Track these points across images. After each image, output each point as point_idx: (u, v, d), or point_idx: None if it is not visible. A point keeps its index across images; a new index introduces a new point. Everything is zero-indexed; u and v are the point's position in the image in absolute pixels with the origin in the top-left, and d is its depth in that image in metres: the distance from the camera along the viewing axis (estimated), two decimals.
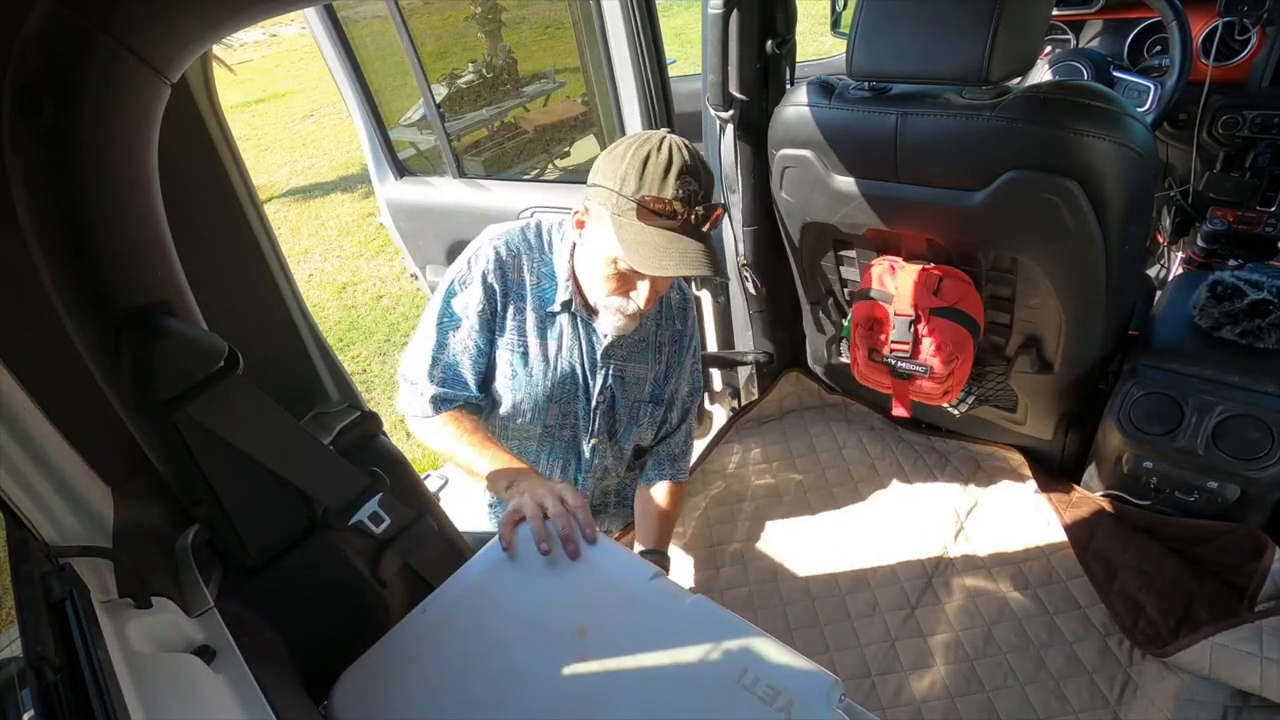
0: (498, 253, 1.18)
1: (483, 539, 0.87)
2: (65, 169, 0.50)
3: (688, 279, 1.38)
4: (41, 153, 0.49)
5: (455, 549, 0.89)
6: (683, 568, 1.47)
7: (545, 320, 1.22)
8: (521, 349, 1.22)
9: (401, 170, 2.17)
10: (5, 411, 0.59)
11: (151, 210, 0.56)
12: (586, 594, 0.77)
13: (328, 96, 8.28)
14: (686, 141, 1.07)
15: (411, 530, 0.82)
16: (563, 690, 0.68)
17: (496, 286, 1.18)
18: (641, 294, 1.12)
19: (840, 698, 0.65)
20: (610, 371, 1.27)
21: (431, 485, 1.80)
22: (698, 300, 1.94)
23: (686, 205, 1.02)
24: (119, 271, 0.55)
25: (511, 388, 1.24)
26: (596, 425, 1.31)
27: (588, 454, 1.34)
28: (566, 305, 1.20)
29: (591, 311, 1.21)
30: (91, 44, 0.48)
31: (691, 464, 1.69)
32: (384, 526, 0.79)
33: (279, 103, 9.01)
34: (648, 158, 1.03)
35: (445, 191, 2.06)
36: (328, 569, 0.77)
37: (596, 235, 1.10)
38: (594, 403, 1.28)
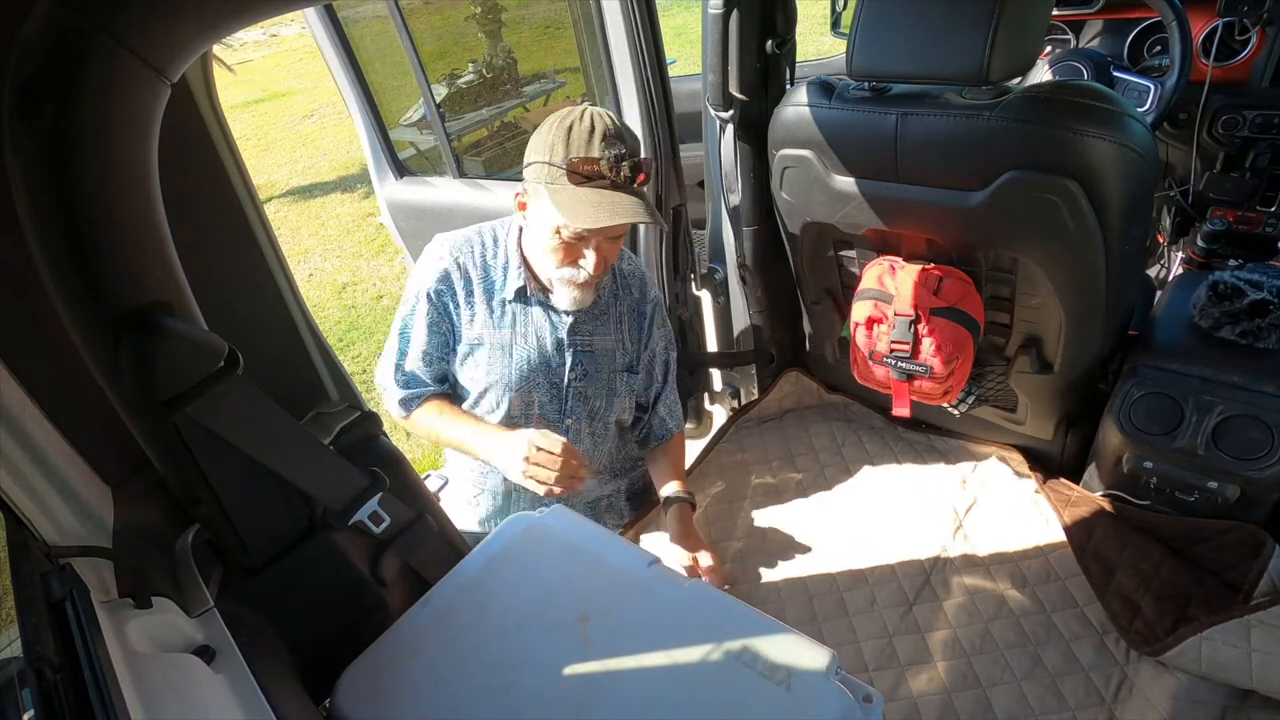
0: (445, 256, 1.25)
1: (482, 539, 0.87)
2: (65, 169, 0.50)
3: (682, 281, 1.44)
4: (41, 153, 0.49)
5: (455, 549, 0.89)
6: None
7: (500, 310, 1.27)
8: (477, 342, 1.27)
9: (401, 170, 2.17)
10: (5, 411, 0.59)
11: (151, 210, 0.56)
12: (586, 582, 0.78)
13: (328, 96, 8.27)
14: (607, 110, 1.13)
15: (411, 530, 0.82)
16: (567, 676, 0.69)
17: (445, 288, 1.24)
18: (590, 260, 1.17)
19: (837, 670, 0.67)
20: (578, 348, 1.30)
21: (431, 485, 1.80)
22: (697, 300, 1.94)
23: (613, 164, 1.08)
24: (119, 271, 0.55)
25: (473, 380, 1.29)
26: (570, 405, 1.33)
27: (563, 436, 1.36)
28: (521, 292, 1.25)
29: (548, 293, 1.25)
30: (91, 44, 0.48)
31: (691, 464, 1.69)
32: (384, 526, 0.79)
33: (279, 103, 9.01)
34: (571, 126, 1.09)
35: (445, 191, 2.06)
36: (328, 569, 0.77)
37: (537, 210, 1.16)
38: (566, 382, 1.30)
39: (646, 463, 1.50)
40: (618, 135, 1.10)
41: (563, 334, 1.28)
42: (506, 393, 1.28)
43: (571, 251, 1.17)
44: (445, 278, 1.24)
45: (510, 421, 1.31)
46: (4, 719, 0.52)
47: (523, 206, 1.19)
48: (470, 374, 1.28)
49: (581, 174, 1.08)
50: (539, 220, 1.16)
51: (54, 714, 0.47)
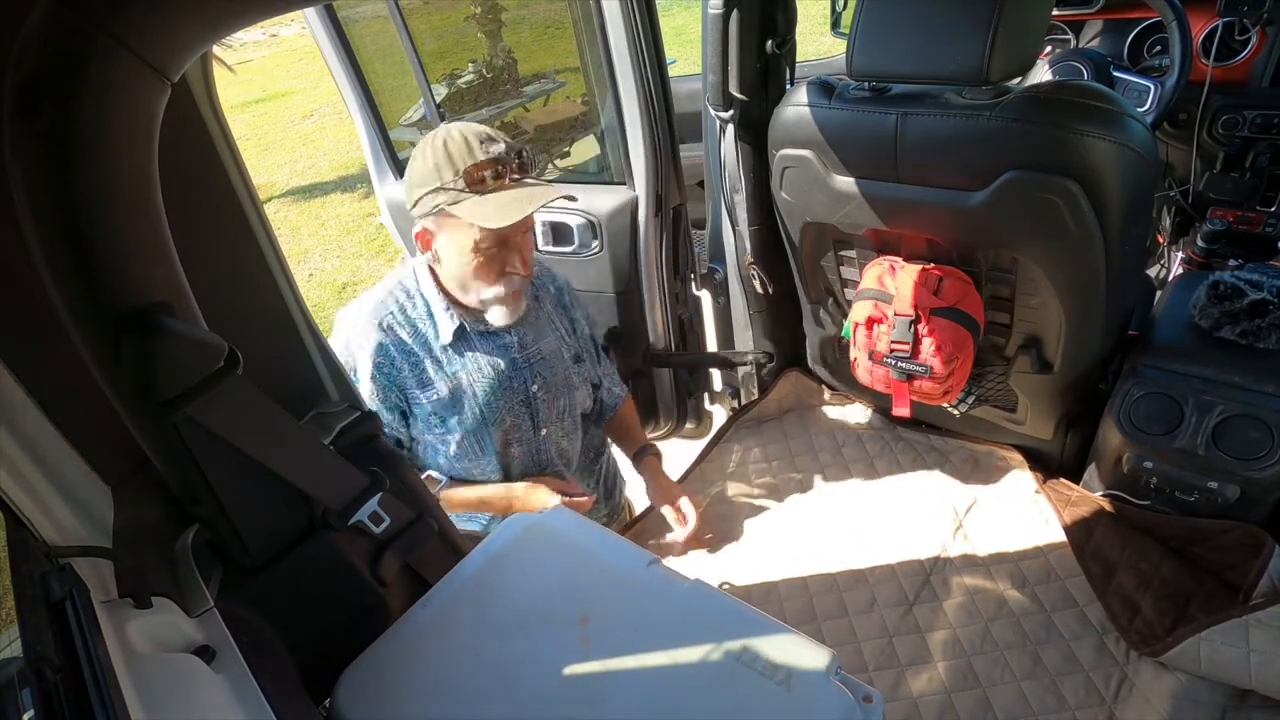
0: (371, 330, 1.18)
1: (482, 539, 0.87)
2: (65, 169, 0.50)
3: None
4: (41, 153, 0.49)
5: (455, 549, 0.89)
6: (682, 565, 1.47)
7: (446, 358, 1.22)
8: (437, 399, 1.22)
9: (401, 170, 2.16)
10: (5, 411, 0.59)
11: (151, 210, 0.56)
12: (586, 582, 0.78)
13: (328, 96, 8.27)
14: (463, 122, 1.14)
15: (411, 530, 0.82)
16: (567, 676, 0.69)
17: (384, 361, 1.19)
18: (515, 262, 1.16)
19: (837, 670, 0.67)
20: (531, 361, 1.30)
21: (431, 485, 1.80)
22: (697, 300, 1.94)
23: (504, 159, 1.09)
24: (119, 271, 0.55)
25: (447, 435, 1.25)
26: (541, 416, 1.33)
27: (548, 449, 1.36)
28: (459, 332, 1.21)
29: (484, 320, 1.22)
30: (91, 44, 0.48)
31: (691, 464, 1.69)
32: (384, 526, 0.79)
33: (279, 103, 9.01)
34: (445, 144, 1.09)
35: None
36: (328, 569, 0.77)
37: (447, 239, 1.14)
38: (531, 396, 1.30)
39: (608, 434, 1.57)
40: (490, 136, 1.10)
41: (514, 354, 1.27)
42: (483, 431, 1.27)
43: (495, 262, 1.15)
44: (382, 350, 1.18)
45: (496, 456, 1.30)
46: (4, 719, 0.52)
47: (427, 244, 1.16)
48: (441, 432, 1.25)
49: (479, 179, 1.08)
50: (453, 247, 1.14)
51: (54, 714, 0.47)
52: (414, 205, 1.13)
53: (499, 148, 1.09)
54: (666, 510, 1.45)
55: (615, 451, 1.63)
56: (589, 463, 1.54)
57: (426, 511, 0.85)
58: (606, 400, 1.50)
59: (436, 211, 1.10)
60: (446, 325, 1.20)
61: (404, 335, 1.20)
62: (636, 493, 1.74)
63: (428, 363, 1.21)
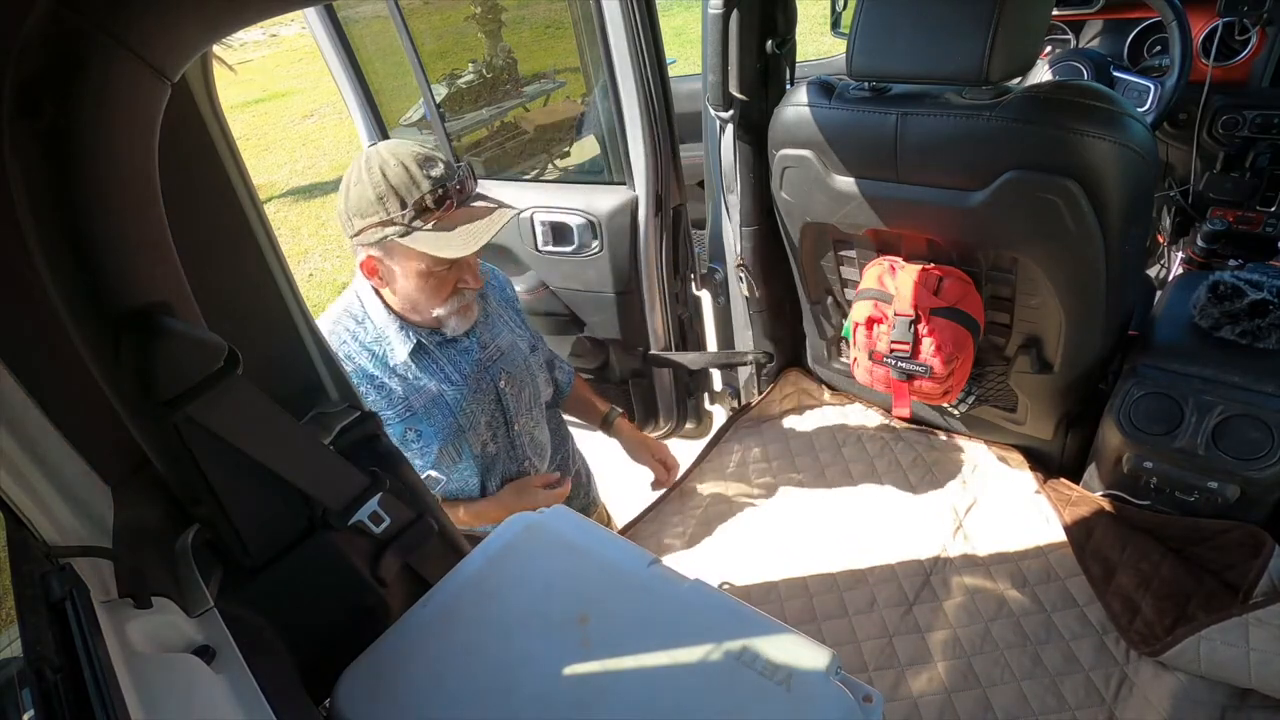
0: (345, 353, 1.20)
1: (481, 539, 0.87)
2: (65, 169, 0.50)
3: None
4: (41, 153, 0.49)
5: (455, 549, 0.89)
6: (683, 565, 1.47)
7: (407, 374, 1.21)
8: (408, 414, 1.22)
9: None
10: (5, 411, 0.59)
11: (151, 210, 0.56)
12: (586, 582, 0.78)
13: (328, 96, 8.27)
14: (394, 142, 1.11)
15: (411, 530, 0.82)
16: (567, 676, 0.69)
17: (368, 379, 1.19)
18: (467, 279, 1.17)
19: (837, 670, 0.67)
20: (494, 361, 1.31)
21: (431, 485, 1.81)
22: (697, 300, 1.94)
23: (449, 182, 1.07)
24: (119, 271, 0.55)
25: (424, 448, 1.25)
26: (512, 409, 1.34)
27: (523, 442, 1.37)
28: (418, 349, 1.21)
29: (440, 332, 1.23)
30: (91, 44, 0.48)
31: (691, 464, 1.69)
32: (384, 526, 0.79)
33: (279, 103, 9.01)
34: (384, 172, 1.06)
35: None
36: (328, 569, 0.77)
37: (397, 267, 1.12)
38: (499, 395, 1.31)
39: (570, 413, 1.61)
40: (427, 158, 1.07)
41: (478, 355, 1.27)
42: (459, 438, 1.27)
43: (447, 282, 1.15)
44: (365, 367, 1.20)
45: (475, 460, 1.30)
46: (4, 719, 0.52)
47: (373, 272, 1.15)
48: (419, 446, 1.24)
49: (431, 208, 1.05)
50: (403, 273, 1.12)
51: (54, 714, 0.47)
52: (356, 234, 1.10)
53: (439, 170, 1.06)
54: (652, 464, 1.53)
55: (580, 446, 1.66)
56: (559, 446, 1.55)
57: (426, 511, 0.85)
58: (560, 379, 1.53)
59: (383, 244, 1.09)
60: (401, 344, 1.19)
61: (362, 361, 1.19)
62: (610, 494, 1.75)
63: (393, 382, 1.20)
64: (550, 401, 1.53)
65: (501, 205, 1.12)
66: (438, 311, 1.18)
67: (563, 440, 1.58)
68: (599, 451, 2.21)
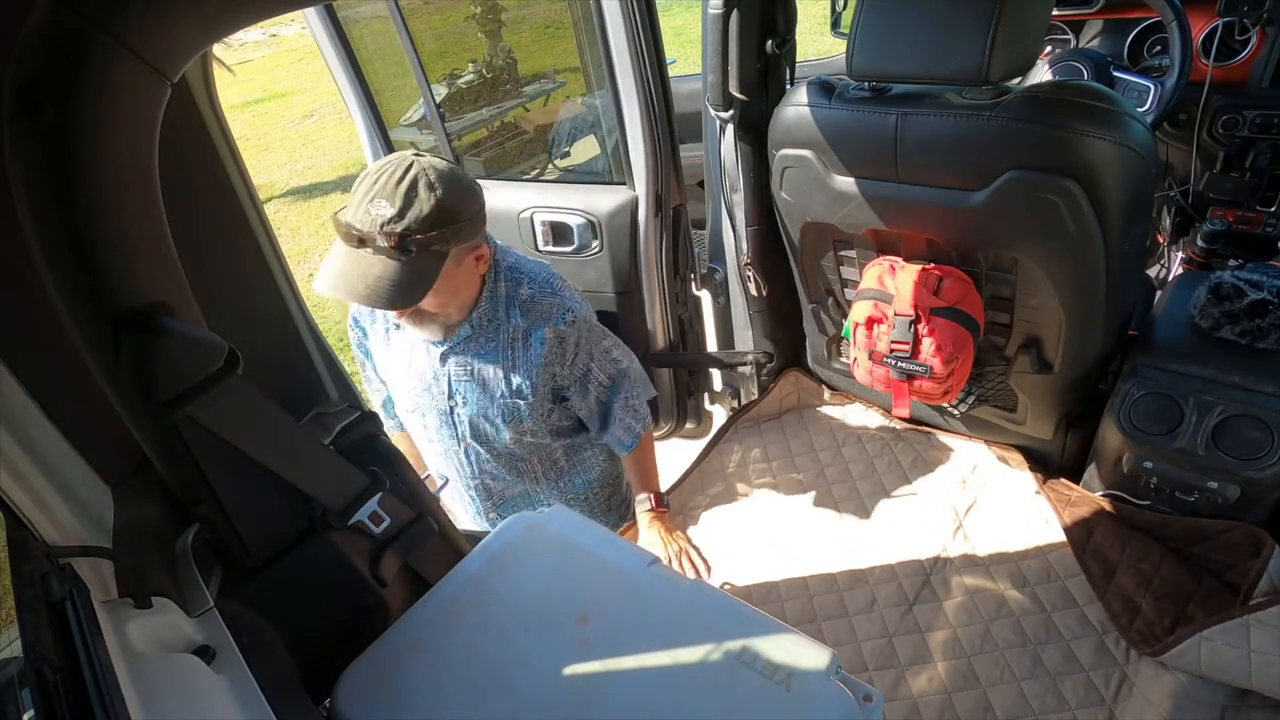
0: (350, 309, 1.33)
1: (481, 539, 0.87)
2: (65, 169, 0.50)
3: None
4: (41, 153, 0.49)
5: (455, 549, 0.89)
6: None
7: (390, 338, 1.32)
8: (385, 371, 1.35)
9: None
10: (5, 411, 0.59)
11: (151, 210, 0.56)
12: (586, 582, 0.78)
13: (328, 96, 8.26)
14: (413, 161, 1.03)
15: (411, 530, 0.82)
16: (567, 676, 0.69)
17: (355, 323, 1.36)
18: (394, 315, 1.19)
19: (837, 670, 0.67)
20: (454, 377, 1.28)
21: (431, 485, 1.81)
22: (698, 300, 1.94)
23: (361, 225, 1.01)
24: (119, 271, 0.55)
25: (398, 406, 1.39)
26: (461, 431, 1.34)
27: (464, 462, 1.38)
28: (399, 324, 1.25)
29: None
30: (91, 44, 0.48)
31: (691, 464, 1.69)
32: (384, 526, 0.79)
33: (279, 103, 9.00)
34: (363, 180, 1.03)
35: None
36: (328, 569, 0.77)
37: None
38: (448, 409, 1.31)
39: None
40: (387, 195, 1.00)
41: (435, 362, 1.27)
42: (415, 418, 1.33)
43: None
44: (353, 320, 1.35)
45: (423, 441, 1.39)
46: (4, 719, 0.52)
47: None
48: (395, 400, 1.39)
49: (336, 229, 1.04)
50: None
51: (54, 714, 0.47)
52: None
53: (375, 211, 1.00)
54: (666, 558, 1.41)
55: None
56: (582, 469, 1.50)
57: (426, 511, 0.85)
58: (611, 440, 1.41)
59: None
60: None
61: (363, 309, 1.32)
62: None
63: (381, 335, 1.33)
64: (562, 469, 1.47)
65: (373, 297, 1.01)
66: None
67: (582, 469, 1.51)
68: None
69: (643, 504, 1.44)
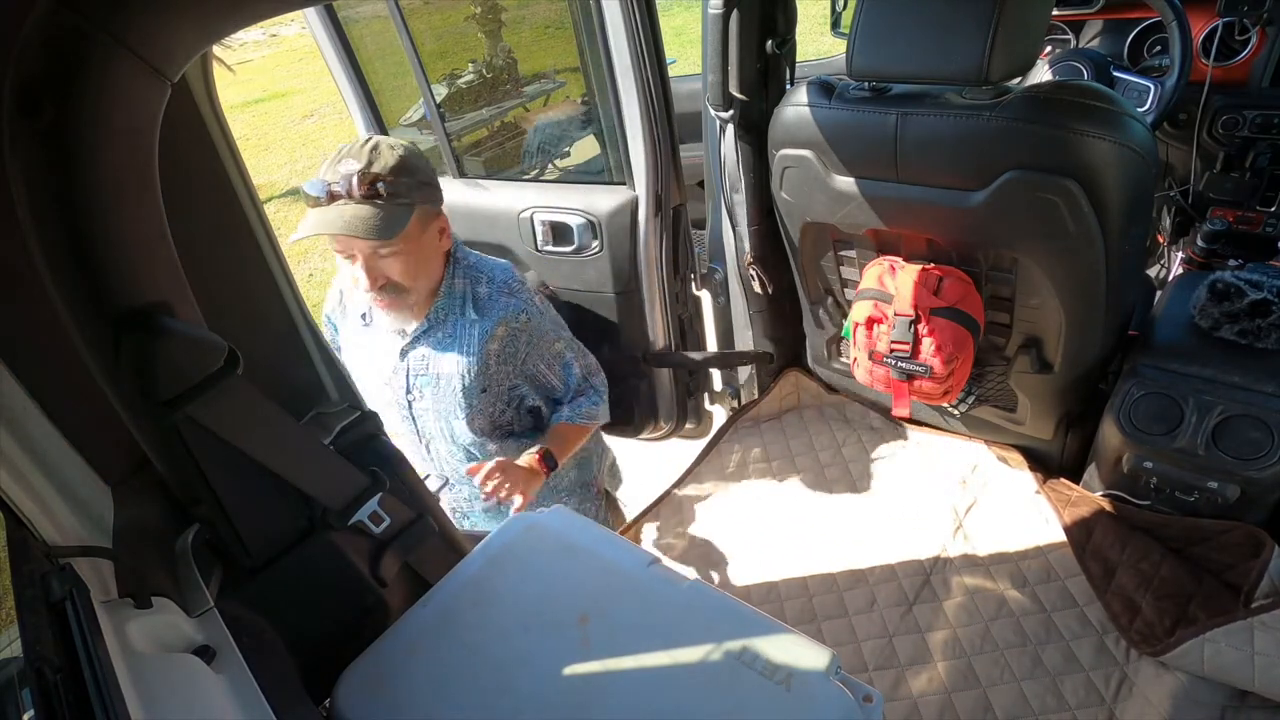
0: (337, 279, 1.37)
1: (481, 539, 0.87)
2: (65, 169, 0.50)
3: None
4: (41, 153, 0.49)
5: (455, 549, 0.89)
6: (682, 566, 1.47)
7: (359, 335, 1.35)
8: (346, 362, 1.30)
9: None
10: (5, 411, 0.59)
11: (151, 210, 0.56)
12: (586, 582, 0.78)
13: (328, 96, 8.26)
14: (372, 135, 1.16)
15: (411, 530, 0.82)
16: (567, 676, 0.69)
17: (332, 309, 1.40)
18: (354, 278, 1.19)
19: (836, 670, 0.67)
20: (412, 371, 1.31)
21: (431, 485, 1.81)
22: (698, 300, 1.94)
23: (332, 181, 1.11)
24: (119, 271, 0.55)
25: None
26: (422, 426, 1.36)
27: (425, 457, 1.41)
28: (370, 313, 1.31)
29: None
30: (91, 44, 0.48)
31: (691, 464, 1.69)
32: (384, 526, 0.79)
33: (279, 103, 9.00)
34: (329, 157, 1.16)
35: (445, 191, 2.05)
36: (328, 569, 0.77)
37: None
38: (407, 404, 1.33)
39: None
40: (345, 156, 1.13)
41: (395, 356, 1.30)
42: (379, 407, 1.31)
43: (345, 270, 1.20)
44: (335, 296, 1.39)
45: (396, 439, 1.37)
46: (4, 719, 0.52)
47: None
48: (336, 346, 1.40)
49: (308, 198, 1.13)
50: None
51: (54, 714, 0.47)
52: None
53: (344, 168, 1.11)
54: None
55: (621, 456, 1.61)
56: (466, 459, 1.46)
57: (426, 511, 0.85)
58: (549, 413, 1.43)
59: None
60: (359, 302, 1.32)
61: (334, 301, 1.39)
62: (631, 493, 1.75)
63: (344, 334, 1.38)
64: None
65: (359, 227, 1.09)
66: (357, 295, 1.25)
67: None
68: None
69: (533, 451, 1.33)
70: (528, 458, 1.31)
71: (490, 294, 1.30)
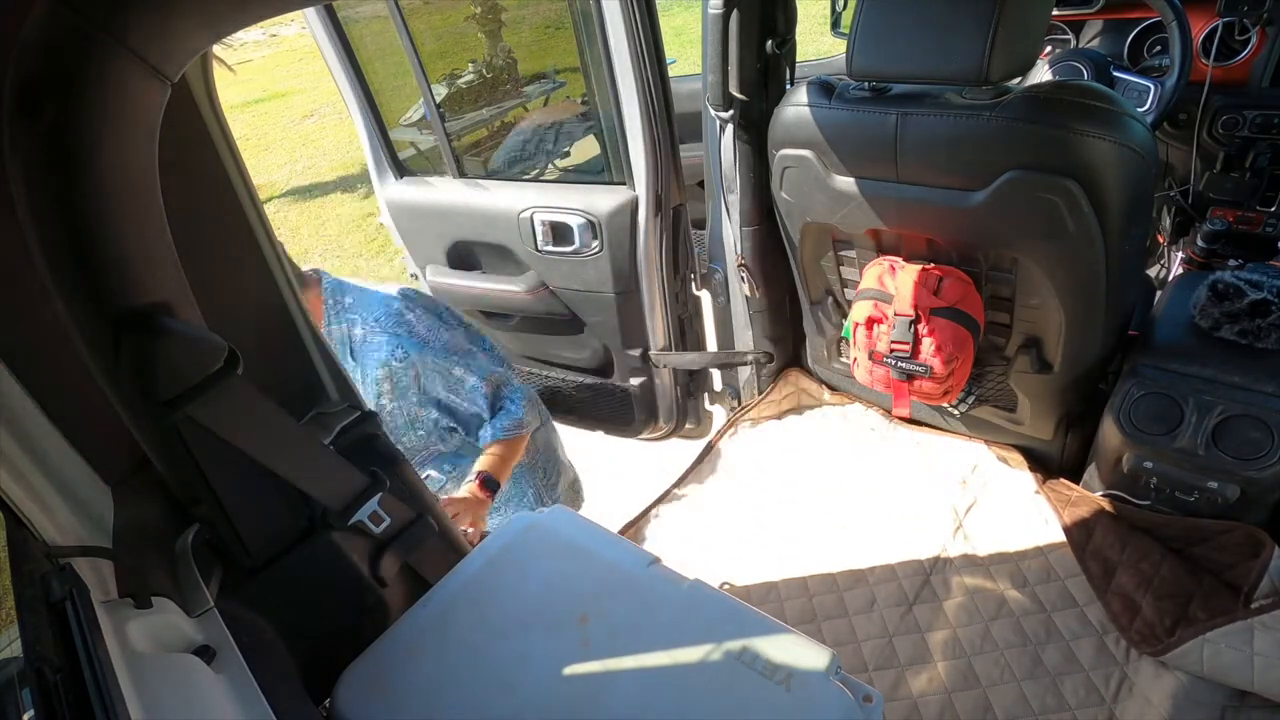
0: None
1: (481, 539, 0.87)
2: (65, 169, 0.50)
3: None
4: (41, 153, 0.49)
5: (455, 548, 0.89)
6: (682, 566, 1.47)
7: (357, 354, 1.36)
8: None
9: (401, 170, 2.17)
10: (5, 411, 0.59)
11: (151, 210, 0.56)
12: (586, 582, 0.78)
13: (328, 96, 8.26)
14: None
15: (411, 530, 0.82)
16: (567, 676, 0.69)
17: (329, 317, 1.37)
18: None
19: (836, 670, 0.67)
20: (370, 375, 1.34)
21: (431, 485, 1.81)
22: (698, 300, 1.94)
23: None
24: (119, 271, 0.55)
25: None
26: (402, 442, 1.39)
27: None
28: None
29: None
30: (91, 44, 0.48)
31: (691, 464, 1.69)
32: (384, 526, 0.79)
33: (279, 103, 9.00)
34: None
35: (445, 191, 2.06)
36: (328, 569, 0.77)
37: None
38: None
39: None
40: None
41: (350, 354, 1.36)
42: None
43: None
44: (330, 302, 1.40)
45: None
46: (4, 719, 0.52)
47: None
48: None
49: None
50: None
51: (54, 714, 0.47)
52: None
53: None
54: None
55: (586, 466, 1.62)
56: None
57: (426, 511, 0.85)
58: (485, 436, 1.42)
59: None
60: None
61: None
62: (610, 494, 1.74)
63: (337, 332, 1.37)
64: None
65: None
66: None
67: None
68: (602, 451, 2.21)
69: (471, 479, 1.35)
70: (467, 487, 1.32)
71: (365, 335, 1.33)
